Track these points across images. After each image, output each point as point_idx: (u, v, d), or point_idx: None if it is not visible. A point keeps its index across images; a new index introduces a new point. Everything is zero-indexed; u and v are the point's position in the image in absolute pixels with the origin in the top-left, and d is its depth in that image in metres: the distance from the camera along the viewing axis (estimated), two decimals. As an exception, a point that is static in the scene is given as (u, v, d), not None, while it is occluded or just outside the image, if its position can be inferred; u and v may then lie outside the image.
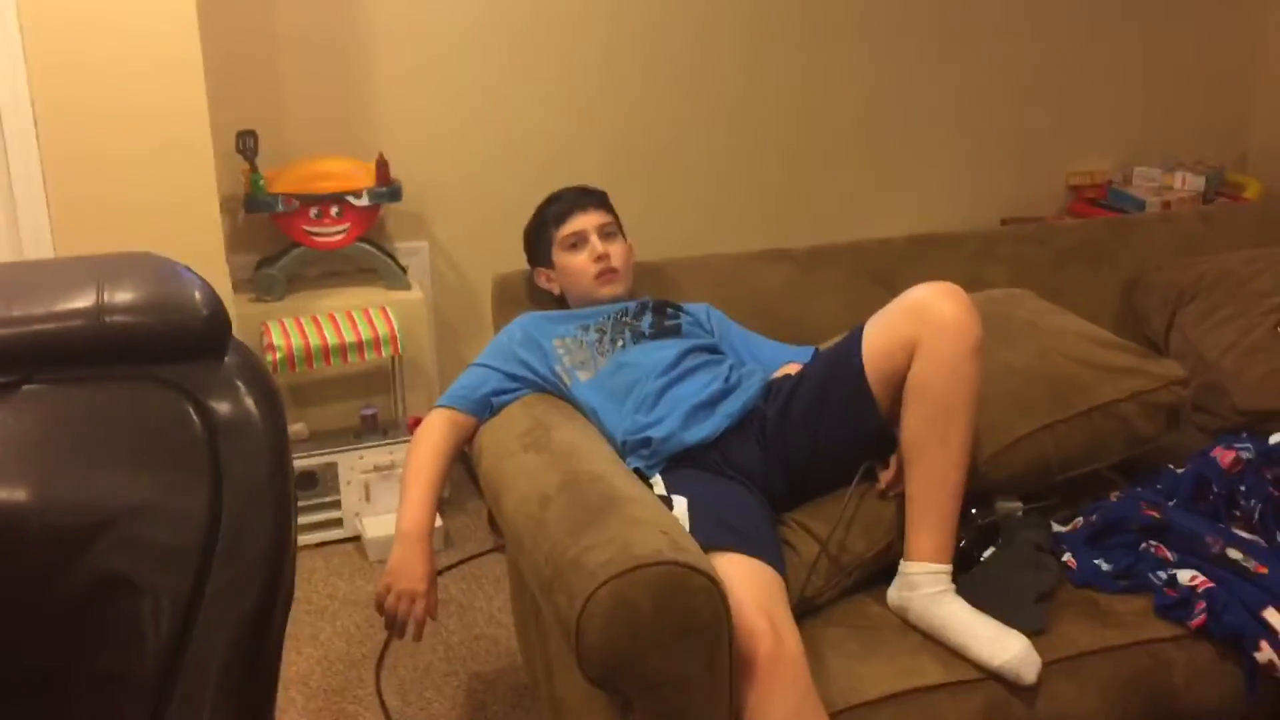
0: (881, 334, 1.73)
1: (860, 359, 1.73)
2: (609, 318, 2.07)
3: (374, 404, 2.97)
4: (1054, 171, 3.82)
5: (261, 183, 2.84)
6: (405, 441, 2.87)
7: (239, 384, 1.39)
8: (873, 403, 1.73)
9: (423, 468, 1.92)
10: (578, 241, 2.13)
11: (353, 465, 2.86)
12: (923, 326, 1.66)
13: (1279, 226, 2.62)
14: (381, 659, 2.17)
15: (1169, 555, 1.75)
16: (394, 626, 1.82)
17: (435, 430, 1.96)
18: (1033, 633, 1.60)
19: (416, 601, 1.81)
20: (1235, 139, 3.96)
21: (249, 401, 1.38)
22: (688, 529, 1.61)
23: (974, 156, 3.71)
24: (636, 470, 1.83)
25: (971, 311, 1.67)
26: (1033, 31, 3.65)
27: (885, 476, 1.76)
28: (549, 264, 2.18)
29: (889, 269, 2.34)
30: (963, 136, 3.69)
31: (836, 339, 1.92)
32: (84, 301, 1.33)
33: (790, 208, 3.55)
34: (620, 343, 2.01)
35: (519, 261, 2.27)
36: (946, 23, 3.56)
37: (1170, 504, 1.86)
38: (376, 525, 2.82)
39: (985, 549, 1.77)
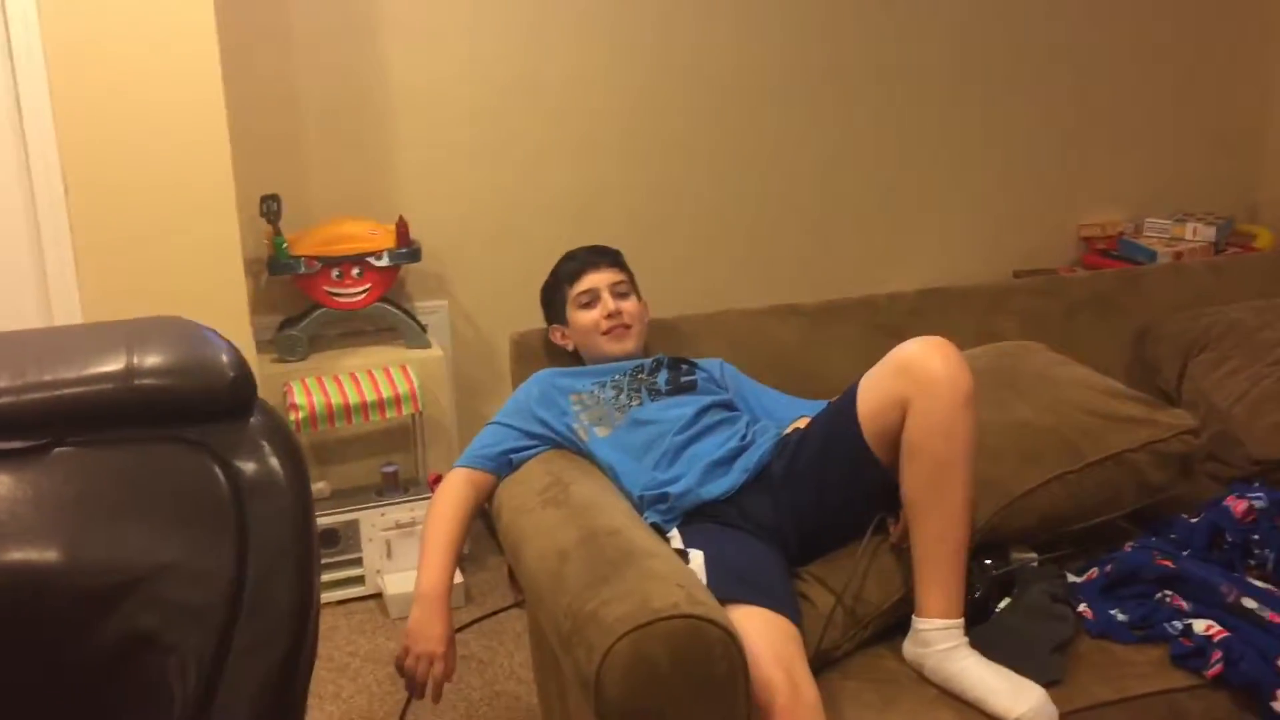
0: (874, 392, 1.75)
1: (856, 417, 1.76)
2: (625, 374, 2.10)
3: (395, 461, 3.00)
4: (1066, 223, 3.86)
5: (284, 246, 2.91)
6: (426, 498, 2.90)
7: (264, 444, 1.42)
8: (873, 458, 1.75)
9: (441, 529, 1.94)
10: (590, 300, 2.18)
11: (374, 522, 2.89)
12: (912, 384, 1.68)
13: (1288, 276, 2.64)
14: (403, 716, 2.18)
15: (1184, 605, 1.75)
16: (414, 688, 1.84)
17: (453, 490, 1.99)
18: (1050, 683, 1.61)
19: (435, 663, 1.83)
20: (1246, 190, 3.99)
21: (274, 461, 1.42)
22: (704, 582, 1.63)
23: (986, 209, 3.76)
24: (654, 525, 1.85)
25: (961, 365, 1.69)
26: (1044, 86, 3.71)
27: (896, 531, 1.78)
28: (564, 321, 2.22)
29: (900, 323, 2.37)
30: (975, 190, 3.73)
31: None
32: (114, 365, 1.37)
33: (805, 263, 3.60)
34: (637, 400, 2.04)
35: (537, 319, 2.31)
36: (959, 78, 3.62)
37: (1184, 554, 1.86)
38: (398, 582, 2.84)
39: (1001, 600, 1.78)
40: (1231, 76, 3.90)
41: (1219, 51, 3.87)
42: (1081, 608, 1.78)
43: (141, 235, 2.53)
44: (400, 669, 1.85)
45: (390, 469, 2.96)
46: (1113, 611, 1.77)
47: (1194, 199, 3.88)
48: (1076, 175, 3.83)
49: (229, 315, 2.57)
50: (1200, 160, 3.92)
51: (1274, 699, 1.60)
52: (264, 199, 2.89)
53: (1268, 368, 2.24)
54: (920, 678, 1.67)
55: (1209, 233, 3.65)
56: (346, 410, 2.82)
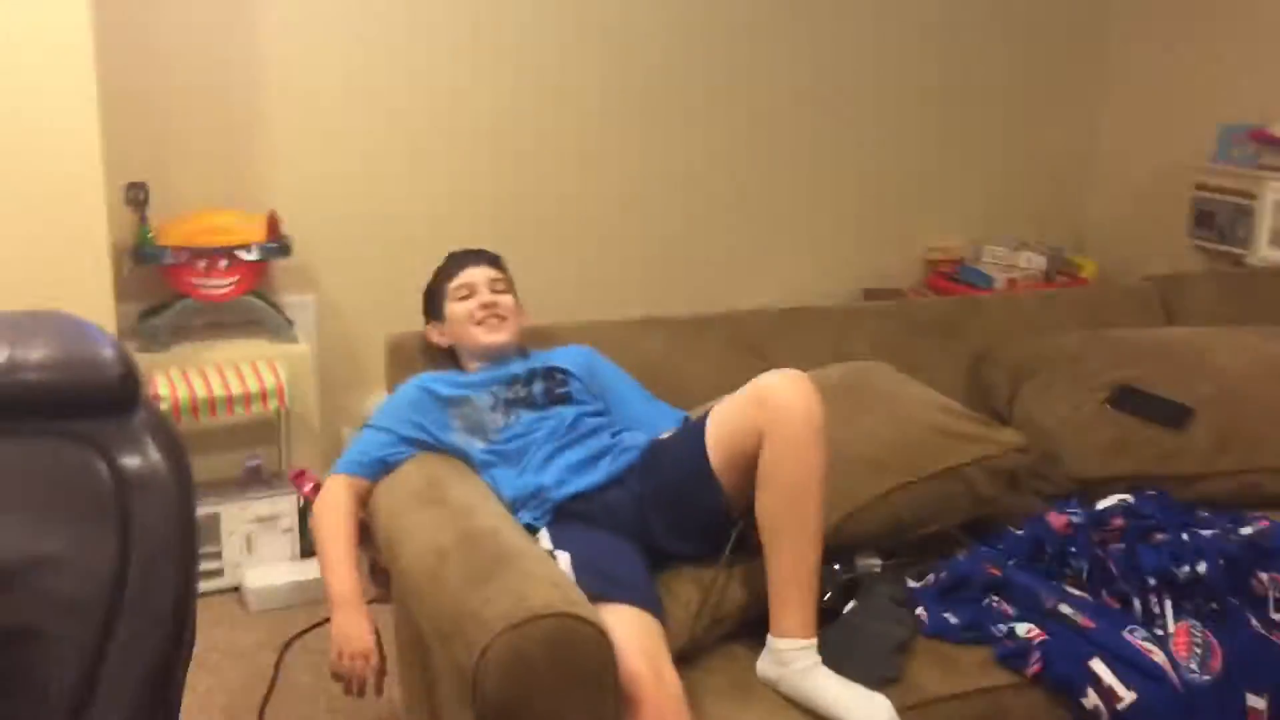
0: (731, 420, 1.87)
1: (704, 448, 1.88)
2: (503, 384, 2.17)
3: (258, 454, 2.99)
4: (913, 246, 4.08)
5: (150, 235, 2.87)
6: (289, 493, 2.91)
7: (148, 440, 1.44)
8: (716, 485, 1.87)
9: (337, 534, 1.99)
10: (468, 292, 2.25)
11: (235, 516, 2.88)
12: (769, 414, 1.80)
13: (1107, 308, 2.88)
14: (262, 711, 2.20)
15: (1009, 610, 1.92)
16: (352, 688, 1.89)
17: (337, 496, 2.03)
18: (888, 681, 1.75)
19: (370, 658, 1.88)
20: (1074, 222, 4.29)
21: (157, 456, 1.44)
22: (573, 581, 1.71)
23: (842, 229, 3.95)
24: (526, 525, 1.93)
25: (815, 398, 1.81)
26: (898, 115, 3.92)
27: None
28: (441, 318, 2.28)
29: (761, 340, 2.50)
30: (831, 209, 3.92)
31: (703, 407, 2.05)
32: (-1, 358, 1.37)
33: (669, 275, 3.72)
34: (514, 414, 2.11)
35: (404, 316, 2.36)
36: (814, 107, 3.80)
37: (1010, 563, 2.04)
38: (259, 576, 2.84)
39: (848, 602, 1.91)
40: (1061, 113, 4.20)
41: (1050, 89, 4.15)
42: (919, 611, 1.93)
43: (6, 216, 2.47)
44: (336, 675, 1.89)
45: (254, 463, 2.96)
46: (946, 614, 1.92)
47: (1029, 228, 4.16)
48: (922, 203, 4.06)
49: (94, 303, 2.54)
50: (1034, 192, 4.21)
51: (1084, 696, 1.78)
52: (129, 186, 2.85)
53: (1088, 394, 2.45)
54: (772, 681, 1.79)
55: (1041, 261, 3.92)
56: (211, 404, 2.80)
